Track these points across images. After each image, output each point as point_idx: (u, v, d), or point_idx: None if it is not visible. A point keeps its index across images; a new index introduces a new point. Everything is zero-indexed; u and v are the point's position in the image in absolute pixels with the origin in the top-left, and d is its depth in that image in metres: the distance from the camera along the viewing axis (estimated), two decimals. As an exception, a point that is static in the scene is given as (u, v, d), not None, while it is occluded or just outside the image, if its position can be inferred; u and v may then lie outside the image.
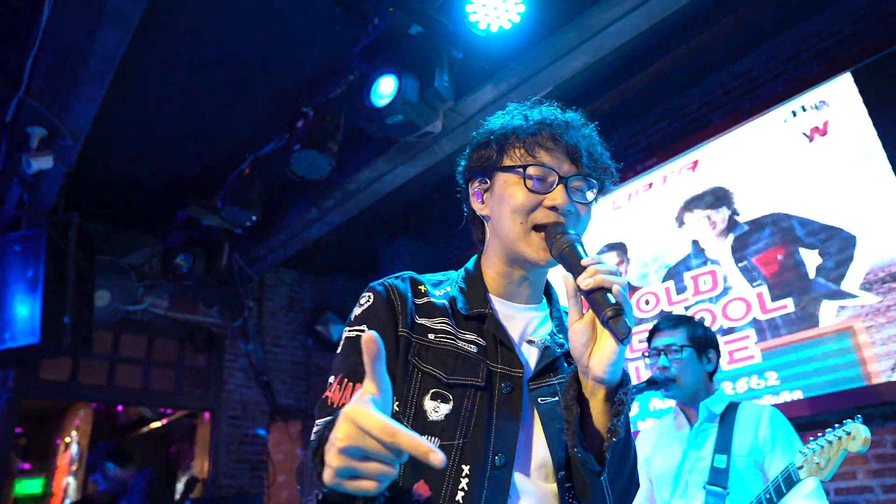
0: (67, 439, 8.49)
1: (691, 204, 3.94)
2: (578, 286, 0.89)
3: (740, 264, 3.59)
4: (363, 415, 0.67)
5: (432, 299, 1.09)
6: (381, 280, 1.10)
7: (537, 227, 1.01)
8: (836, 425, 1.81)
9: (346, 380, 0.98)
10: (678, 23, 3.42)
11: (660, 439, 2.34)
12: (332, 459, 0.69)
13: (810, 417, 3.11)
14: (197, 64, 3.58)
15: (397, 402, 0.98)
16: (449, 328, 1.04)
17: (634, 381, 3.79)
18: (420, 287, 1.11)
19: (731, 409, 2.19)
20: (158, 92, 3.77)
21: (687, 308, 3.74)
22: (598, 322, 0.90)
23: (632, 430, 1.01)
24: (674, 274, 3.92)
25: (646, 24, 3.05)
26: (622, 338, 0.85)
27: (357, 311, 1.07)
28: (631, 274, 4.17)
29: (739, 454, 2.06)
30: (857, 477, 2.95)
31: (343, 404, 0.90)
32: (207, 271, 4.89)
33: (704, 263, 3.77)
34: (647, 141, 4.29)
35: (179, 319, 5.36)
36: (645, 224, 4.17)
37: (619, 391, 0.92)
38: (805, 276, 3.30)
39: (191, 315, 5.40)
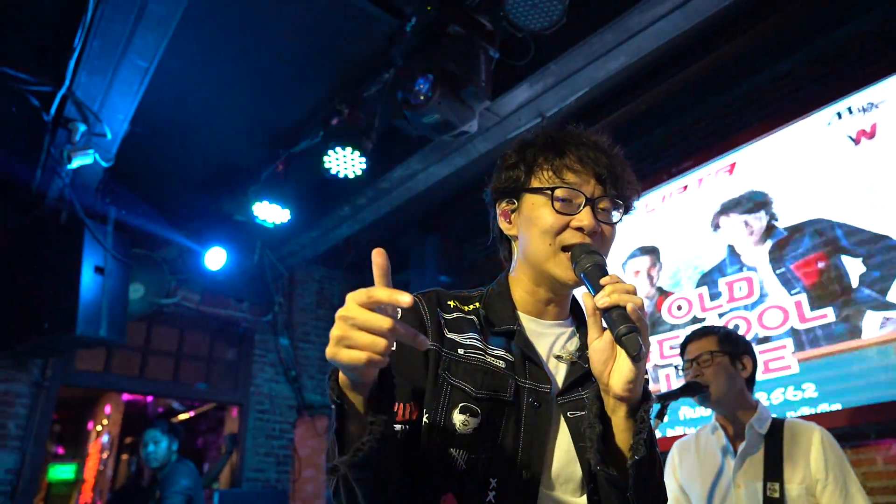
0: (99, 428, 8.68)
1: (728, 208, 3.85)
2: (596, 304, 0.91)
3: (778, 271, 3.50)
4: (356, 292, 0.76)
5: (462, 315, 1.11)
6: (418, 294, 1.10)
7: (565, 248, 1.04)
8: None
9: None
10: (719, 23, 3.35)
11: (701, 456, 2.24)
12: (332, 331, 0.76)
13: (849, 429, 3.03)
14: (233, 62, 3.62)
15: (427, 415, 0.99)
16: (478, 343, 1.06)
17: (665, 389, 3.74)
18: (449, 302, 1.13)
19: (777, 428, 2.09)
20: (195, 89, 3.82)
21: (721, 315, 3.66)
22: None
23: (657, 444, 1.01)
24: (708, 279, 3.84)
25: (686, 25, 3.01)
26: (634, 355, 0.86)
27: None
28: (663, 279, 4.10)
29: (791, 482, 1.97)
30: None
31: None
32: (239, 266, 4.95)
33: (740, 269, 3.68)
34: (684, 143, 4.22)
35: (210, 313, 5.44)
36: (679, 228, 4.10)
37: (641, 408, 0.93)
38: (847, 285, 3.19)
39: (222, 309, 5.46)
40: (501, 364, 1.04)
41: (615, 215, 1.09)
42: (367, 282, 1.21)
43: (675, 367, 3.83)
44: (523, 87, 3.23)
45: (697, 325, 2.91)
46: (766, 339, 3.44)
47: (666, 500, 1.03)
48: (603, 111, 3.91)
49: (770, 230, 3.60)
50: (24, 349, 4.34)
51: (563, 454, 1.01)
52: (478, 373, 1.02)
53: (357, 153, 3.45)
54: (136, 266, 4.69)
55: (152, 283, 4.98)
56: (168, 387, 5.56)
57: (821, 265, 3.32)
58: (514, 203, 1.13)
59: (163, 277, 5.05)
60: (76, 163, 3.57)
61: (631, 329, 0.86)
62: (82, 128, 3.49)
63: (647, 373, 0.95)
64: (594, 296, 0.93)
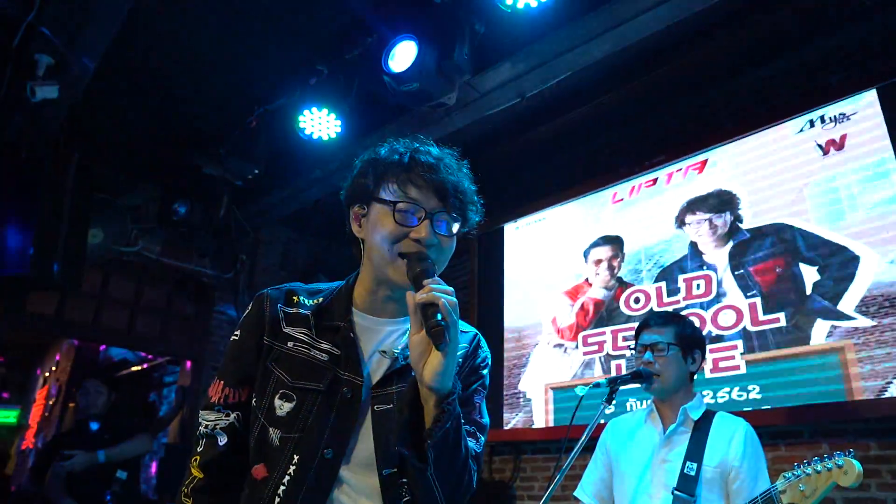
0: (47, 374, 8.51)
1: (694, 205, 3.91)
2: (415, 301, 1.03)
3: (737, 272, 3.58)
4: None
5: (300, 310, 1.26)
6: (265, 290, 1.30)
7: (402, 255, 1.15)
8: (826, 456, 1.80)
9: (223, 384, 1.24)
10: (704, 22, 3.37)
11: (632, 433, 2.34)
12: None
13: (785, 427, 3.15)
14: (212, 14, 3.51)
15: (255, 398, 1.20)
16: (306, 337, 1.22)
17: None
18: (294, 297, 1.28)
19: (708, 417, 2.20)
20: (172, 37, 3.70)
21: (677, 311, 3.74)
22: None
23: (463, 434, 1.11)
24: (667, 274, 3.91)
25: (672, 20, 3.01)
26: (438, 346, 0.99)
27: (242, 317, 1.30)
28: (624, 270, 4.16)
29: (709, 464, 2.07)
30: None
31: (220, 402, 1.22)
32: (204, 220, 4.86)
33: (700, 267, 3.76)
34: (658, 137, 4.26)
35: (171, 266, 5.34)
36: (644, 221, 4.15)
37: (447, 399, 1.04)
38: (802, 291, 3.28)
39: (183, 263, 5.37)
40: (324, 357, 1.20)
41: (454, 227, 1.20)
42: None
43: (627, 358, 3.90)
44: (506, 65, 3.20)
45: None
46: (718, 339, 3.53)
47: (471, 485, 1.15)
48: (582, 98, 3.92)
49: (733, 231, 3.67)
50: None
51: (363, 439, 1.15)
52: (297, 365, 1.19)
53: (333, 115, 3.40)
54: (96, 210, 4.57)
55: (112, 229, 4.87)
56: (122, 337, 5.46)
57: (778, 270, 3.41)
58: (364, 209, 1.24)
59: (124, 225, 4.93)
60: (40, 97, 3.43)
61: (439, 323, 0.99)
62: (48, 60, 3.35)
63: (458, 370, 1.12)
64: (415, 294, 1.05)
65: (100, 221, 4.69)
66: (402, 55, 2.85)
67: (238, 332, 1.27)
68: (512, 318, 4.79)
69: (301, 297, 1.28)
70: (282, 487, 1.11)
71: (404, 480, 1.13)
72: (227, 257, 5.52)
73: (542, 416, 4.30)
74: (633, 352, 2.38)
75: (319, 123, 3.54)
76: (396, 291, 1.22)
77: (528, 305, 4.67)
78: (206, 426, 1.22)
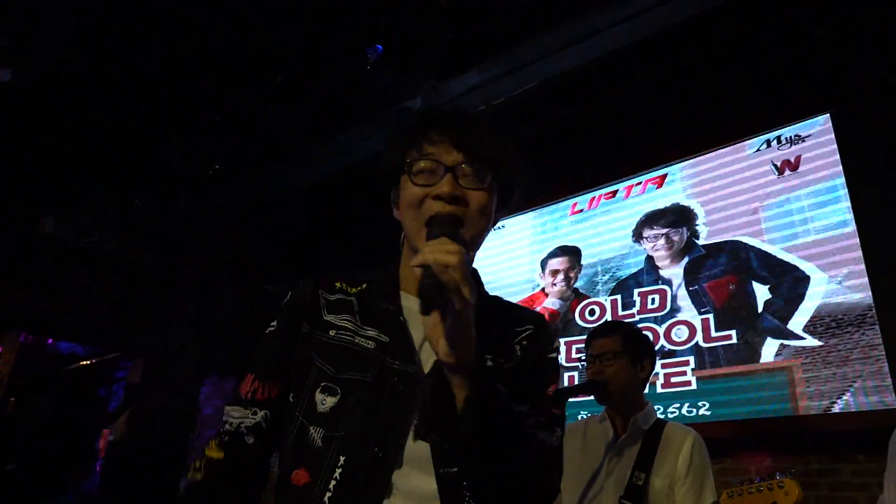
0: (-10, 365, 8.19)
1: (652, 219, 3.97)
2: (412, 266, 0.90)
3: (691, 288, 3.63)
4: None
5: (343, 296, 1.13)
6: (304, 277, 1.17)
7: (427, 222, 1.02)
8: (769, 475, 1.84)
9: (253, 377, 1.10)
10: (669, 39, 3.44)
11: (586, 442, 2.35)
12: None
13: (731, 438, 3.20)
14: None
15: (293, 394, 1.06)
16: (349, 325, 1.09)
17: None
18: (336, 283, 1.15)
19: (658, 427, 2.22)
20: (133, 25, 3.61)
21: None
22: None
23: (514, 420, 0.98)
24: (623, 288, 3.95)
25: (637, 36, 3.08)
26: (422, 309, 0.86)
27: (281, 305, 1.16)
28: (581, 281, 4.20)
29: (657, 475, 2.09)
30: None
31: (250, 397, 1.08)
32: (162, 213, 4.75)
33: (656, 282, 3.81)
34: (619, 150, 4.32)
35: (125, 257, 5.20)
36: (602, 233, 4.20)
37: (471, 373, 0.90)
38: (753, 309, 3.34)
39: (138, 255, 5.24)
40: (371, 345, 1.06)
41: (485, 178, 1.05)
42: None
43: (580, 370, 3.93)
44: (473, 71, 3.23)
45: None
46: (671, 354, 3.56)
47: (546, 482, 1.00)
48: (547, 108, 3.95)
49: (689, 247, 3.74)
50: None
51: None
52: (341, 354, 1.05)
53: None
54: (49, 200, 4.43)
55: (66, 218, 4.72)
56: (71, 329, 5.29)
57: (731, 287, 3.47)
58: (396, 189, 1.11)
59: (78, 214, 4.79)
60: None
61: (426, 284, 0.85)
62: (3, 42, 3.25)
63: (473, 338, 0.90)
64: None
65: (52, 209, 4.55)
66: (370, 57, 2.83)
67: (274, 322, 1.14)
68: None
69: (342, 283, 1.15)
70: (328, 494, 0.95)
71: (455, 470, 0.98)
72: (184, 251, 5.40)
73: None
74: (582, 362, 2.39)
75: (286, 118, 3.48)
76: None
77: (486, 314, 4.66)
78: (231, 423, 1.07)
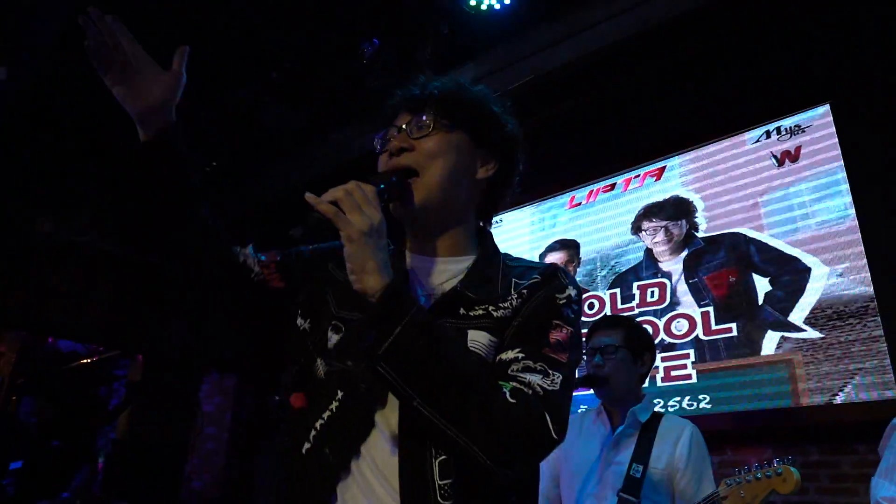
0: (-9, 365, 8.20)
1: (651, 212, 3.95)
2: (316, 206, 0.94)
3: (691, 281, 3.62)
4: None
5: None
6: None
7: None
8: (766, 463, 1.83)
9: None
10: (666, 33, 3.42)
11: (580, 434, 2.34)
12: None
13: (732, 431, 3.21)
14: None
15: (310, 326, 1.10)
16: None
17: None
18: None
19: (655, 419, 2.22)
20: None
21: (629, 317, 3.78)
22: None
23: (455, 353, 0.95)
24: (622, 281, 3.94)
25: (634, 29, 3.06)
26: (300, 232, 0.94)
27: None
28: (579, 275, 4.18)
29: (655, 466, 2.09)
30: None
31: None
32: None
33: (655, 275, 3.79)
34: (617, 143, 4.30)
35: (124, 256, 5.19)
36: (601, 226, 4.18)
37: (381, 301, 0.90)
38: (753, 302, 3.32)
39: (136, 253, 5.22)
40: None
41: (429, 122, 1.07)
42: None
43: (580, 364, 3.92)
44: (469, 66, 3.21)
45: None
46: (671, 347, 3.55)
47: (519, 428, 0.92)
48: (544, 102, 3.93)
49: (689, 239, 3.72)
50: None
51: None
52: (346, 294, 1.04)
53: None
54: (47, 198, 4.42)
55: (64, 217, 4.71)
56: (70, 328, 5.29)
57: (731, 279, 3.45)
58: None
59: (76, 213, 4.78)
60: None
61: (307, 217, 0.90)
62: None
63: (376, 262, 0.91)
64: None
65: (50, 209, 4.53)
66: (365, 53, 2.82)
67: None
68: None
69: None
70: (320, 421, 1.00)
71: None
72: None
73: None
74: (583, 356, 2.38)
75: (281, 118, 3.47)
76: (412, 225, 1.13)
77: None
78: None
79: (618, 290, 3.92)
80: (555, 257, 4.37)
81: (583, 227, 4.28)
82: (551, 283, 1.08)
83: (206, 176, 4.27)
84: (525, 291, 1.06)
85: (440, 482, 0.92)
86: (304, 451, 1.00)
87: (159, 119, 1.08)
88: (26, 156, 4.02)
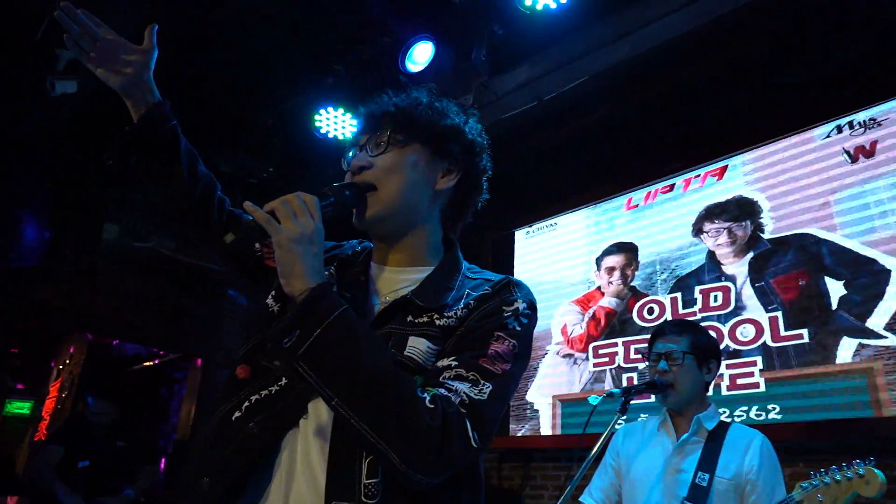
0: (61, 367, 8.58)
1: (712, 213, 3.82)
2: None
3: (757, 284, 3.46)
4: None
5: (339, 255, 1.24)
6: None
7: None
8: (845, 465, 1.73)
9: None
10: (726, 26, 3.29)
11: (644, 441, 2.30)
12: None
13: (805, 443, 3.06)
14: (230, 13, 3.50)
15: (279, 307, 1.15)
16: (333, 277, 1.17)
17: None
18: (348, 251, 1.27)
19: (722, 428, 2.15)
20: (191, 33, 3.70)
21: (693, 320, 3.65)
22: None
23: (369, 355, 0.93)
24: (683, 285, 3.81)
25: (689, 25, 2.98)
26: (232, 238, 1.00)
27: None
28: (638, 279, 4.08)
29: (722, 476, 2.02)
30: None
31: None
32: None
33: (718, 279, 3.66)
34: (676, 142, 4.18)
35: (184, 262, 5.34)
36: (660, 228, 4.06)
37: (299, 300, 0.93)
38: (827, 306, 3.15)
39: (195, 259, 5.37)
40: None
41: (382, 140, 1.13)
42: (344, 249, 1.24)
43: (639, 371, 3.81)
44: (524, 67, 3.17)
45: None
46: (736, 354, 3.41)
47: (422, 428, 0.91)
48: (599, 102, 3.86)
49: (754, 241, 3.57)
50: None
51: None
52: None
53: (349, 115, 3.37)
54: (112, 206, 4.59)
55: (127, 225, 4.88)
56: (133, 331, 5.48)
57: (801, 283, 3.29)
58: None
59: (139, 221, 4.95)
60: (59, 91, 3.45)
61: (241, 223, 0.96)
62: (69, 55, 3.37)
63: (301, 262, 0.95)
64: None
65: (115, 216, 4.71)
66: (419, 56, 2.82)
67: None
68: (520, 325, 4.70)
69: (351, 248, 1.28)
70: (256, 396, 1.03)
71: None
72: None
73: (549, 428, 4.22)
74: (647, 362, 2.32)
75: (335, 123, 3.52)
76: (376, 238, 1.20)
77: (538, 314, 4.57)
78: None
79: (678, 295, 3.80)
80: (612, 261, 4.27)
81: (641, 229, 4.17)
82: (500, 294, 1.10)
83: (264, 180, 4.36)
84: (472, 302, 1.09)
85: (366, 481, 0.93)
86: (233, 418, 1.02)
87: (144, 97, 1.27)
88: (92, 164, 4.18)
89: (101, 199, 4.26)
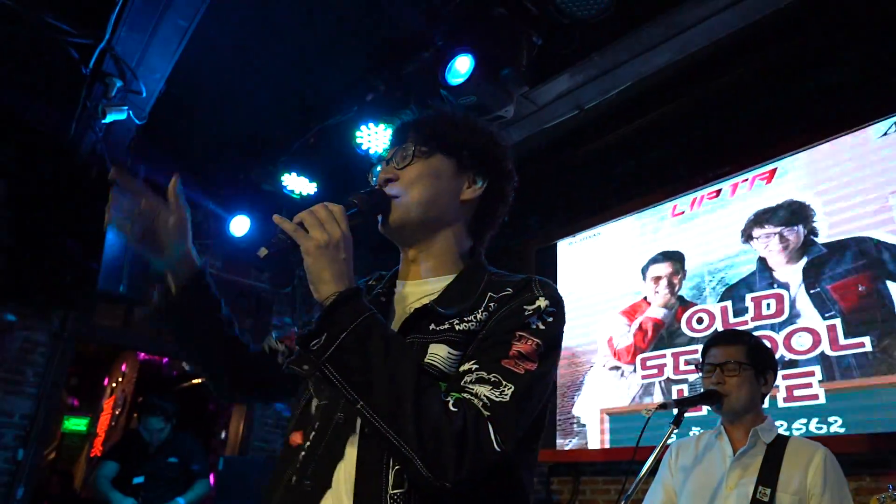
0: (114, 384, 8.84)
1: (762, 218, 3.69)
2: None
3: (812, 291, 3.33)
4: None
5: (367, 281, 1.29)
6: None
7: None
8: None
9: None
10: (772, 25, 3.21)
11: (699, 456, 2.24)
12: None
13: (870, 455, 2.92)
14: (272, 31, 3.58)
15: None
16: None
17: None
18: (372, 282, 1.29)
19: (781, 441, 2.09)
20: (231, 55, 3.80)
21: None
22: None
23: (390, 356, 0.94)
24: (734, 293, 3.69)
25: (738, 25, 2.91)
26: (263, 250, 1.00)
27: None
28: (685, 288, 3.98)
29: (784, 491, 1.96)
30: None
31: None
32: (263, 236, 4.95)
33: (770, 286, 3.54)
34: (723, 147, 4.08)
35: (230, 281, 5.45)
36: (707, 235, 3.95)
37: (325, 306, 0.96)
38: (890, 311, 3.01)
39: (242, 278, 5.48)
40: None
41: (408, 153, 1.16)
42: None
43: (689, 383, 3.71)
44: (564, 76, 3.14)
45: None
46: (792, 364, 3.29)
47: (448, 432, 0.91)
48: (643, 108, 3.81)
49: (807, 246, 3.45)
50: (47, 299, 4.40)
51: None
52: None
53: (390, 131, 3.39)
54: (161, 227, 4.72)
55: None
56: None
57: (861, 288, 3.15)
58: None
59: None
60: (110, 118, 3.58)
61: (273, 236, 1.00)
62: (118, 83, 3.49)
63: (327, 267, 0.98)
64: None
65: (164, 237, 4.83)
66: (460, 68, 2.83)
67: None
68: (566, 338, 4.57)
69: (375, 281, 1.28)
70: (302, 453, 1.04)
71: None
72: (285, 273, 5.60)
73: (597, 443, 4.13)
74: (700, 371, 2.26)
75: (377, 139, 3.55)
76: (402, 250, 1.22)
77: (582, 325, 4.50)
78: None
79: (729, 303, 3.69)
80: (658, 270, 4.18)
81: (687, 236, 4.07)
82: (522, 294, 1.08)
83: (307, 198, 4.42)
84: (493, 304, 1.07)
85: (392, 491, 0.94)
86: (292, 482, 1.03)
87: (187, 269, 1.19)
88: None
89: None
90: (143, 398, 5.45)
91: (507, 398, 0.95)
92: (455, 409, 0.91)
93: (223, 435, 6.90)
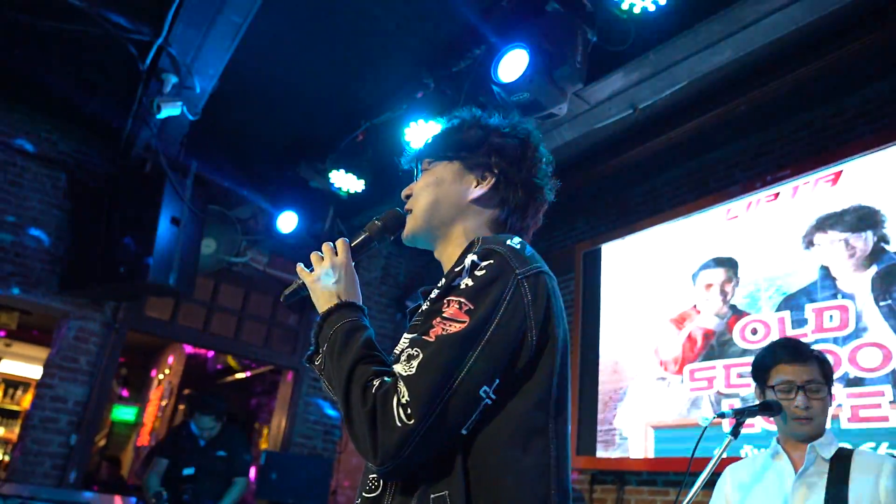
0: (161, 376, 9.05)
1: (826, 223, 3.51)
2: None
3: (882, 303, 3.13)
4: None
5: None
6: None
7: None
8: None
9: None
10: (838, 23, 3.06)
11: (757, 478, 2.11)
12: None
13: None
14: (324, 29, 3.59)
15: None
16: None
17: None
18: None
19: (844, 455, 1.96)
20: (283, 52, 3.83)
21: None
22: None
23: (342, 358, 1.03)
24: (792, 303, 3.51)
25: (804, 20, 2.76)
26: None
27: None
28: (739, 296, 3.81)
29: None
30: None
31: None
32: (309, 233, 4.99)
33: (834, 296, 3.35)
34: (784, 149, 3.92)
35: (276, 276, 5.51)
36: (764, 241, 3.78)
37: (317, 324, 1.13)
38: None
39: (287, 273, 5.53)
40: None
41: (424, 167, 1.29)
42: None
43: (742, 397, 3.55)
44: (618, 74, 3.06)
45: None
46: (858, 382, 3.11)
47: (354, 408, 0.97)
48: (700, 108, 3.68)
49: (877, 253, 3.25)
50: (101, 291, 4.52)
51: None
52: None
53: (440, 126, 3.36)
54: (210, 222, 4.80)
55: (224, 240, 5.09)
56: (229, 344, 5.68)
57: (936, 300, 2.97)
58: None
59: (235, 236, 5.15)
60: (165, 114, 3.64)
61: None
62: (174, 79, 3.55)
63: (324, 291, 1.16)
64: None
65: (213, 232, 4.91)
66: (513, 64, 2.77)
67: None
68: (608, 346, 4.48)
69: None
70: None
71: None
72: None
73: (641, 454, 4.01)
74: (753, 386, 2.13)
75: (426, 136, 3.52)
76: (427, 246, 1.31)
77: (627, 333, 4.38)
78: None
79: (787, 314, 3.52)
80: (709, 276, 4.03)
81: (742, 242, 3.91)
82: (461, 262, 1.06)
83: (355, 196, 4.42)
84: (443, 280, 1.08)
85: (370, 475, 1.03)
86: None
87: None
88: (190, 184, 4.39)
89: (202, 215, 4.46)
90: (196, 395, 5.57)
91: (414, 369, 0.94)
92: (371, 392, 0.94)
93: (265, 431, 6.99)
